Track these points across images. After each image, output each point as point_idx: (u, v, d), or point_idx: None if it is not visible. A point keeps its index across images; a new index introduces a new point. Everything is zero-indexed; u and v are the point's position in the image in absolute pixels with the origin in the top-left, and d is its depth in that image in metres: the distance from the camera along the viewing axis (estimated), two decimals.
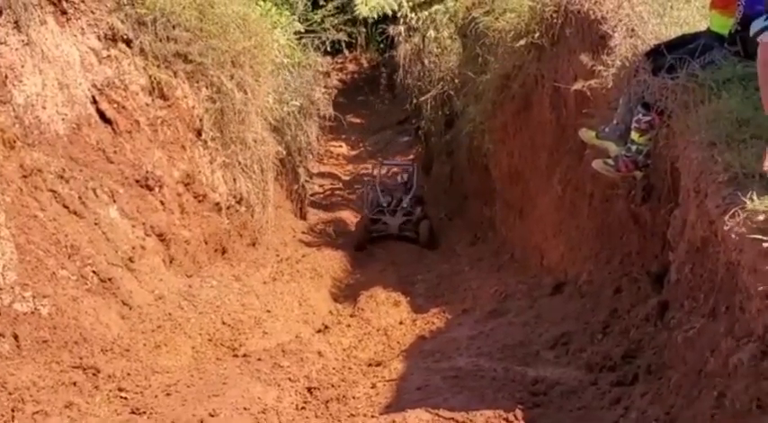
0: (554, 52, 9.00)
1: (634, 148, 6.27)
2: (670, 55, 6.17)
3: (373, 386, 7.04)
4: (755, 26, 5.00)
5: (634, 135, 6.25)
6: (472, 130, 12.63)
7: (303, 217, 16.44)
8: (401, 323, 9.65)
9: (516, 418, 5.37)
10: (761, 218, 4.14)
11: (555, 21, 9.22)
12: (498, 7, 11.28)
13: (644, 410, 4.91)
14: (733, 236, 4.20)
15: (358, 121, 18.24)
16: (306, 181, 17.18)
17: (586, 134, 7.13)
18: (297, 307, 10.26)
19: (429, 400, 6.02)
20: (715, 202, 4.63)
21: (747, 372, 3.58)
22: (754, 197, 4.18)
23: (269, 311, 9.50)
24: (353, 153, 17.96)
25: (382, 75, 19.73)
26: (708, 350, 4.33)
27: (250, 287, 10.04)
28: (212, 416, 5.91)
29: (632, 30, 7.55)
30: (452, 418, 5.53)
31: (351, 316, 10.29)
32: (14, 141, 8.70)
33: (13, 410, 6.03)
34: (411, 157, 18.34)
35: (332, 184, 17.76)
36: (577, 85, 7.94)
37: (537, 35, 9.56)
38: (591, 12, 8.43)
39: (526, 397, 5.79)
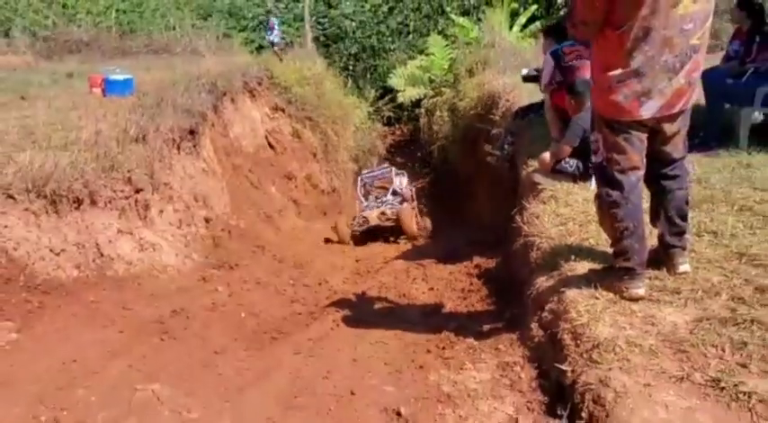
0: (487, 116, 9.37)
1: (506, 151, 6.69)
2: (522, 111, 6.83)
3: None
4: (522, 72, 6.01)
5: (506, 146, 6.71)
6: (449, 157, 12.97)
7: None
8: None
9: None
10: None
11: (487, 101, 9.78)
12: (465, 96, 11.61)
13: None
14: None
15: (401, 160, 18.57)
16: None
17: (487, 147, 7.70)
18: None
19: None
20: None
21: None
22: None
23: None
24: None
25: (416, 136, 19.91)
26: None
27: None
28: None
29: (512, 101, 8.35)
30: None
31: None
32: (229, 153, 9.70)
33: (223, 264, 6.63)
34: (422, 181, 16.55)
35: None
36: (495, 131, 8.26)
37: (479, 108, 10.08)
38: (503, 93, 9.14)
39: None
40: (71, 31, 17.13)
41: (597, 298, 3.11)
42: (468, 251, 6.48)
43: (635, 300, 3.06)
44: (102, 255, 5.32)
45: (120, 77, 9.62)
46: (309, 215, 11.00)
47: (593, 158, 3.14)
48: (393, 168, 12.36)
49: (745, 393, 2.38)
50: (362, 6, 20.93)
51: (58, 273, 4.78)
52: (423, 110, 16.66)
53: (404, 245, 9.59)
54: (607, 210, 3.10)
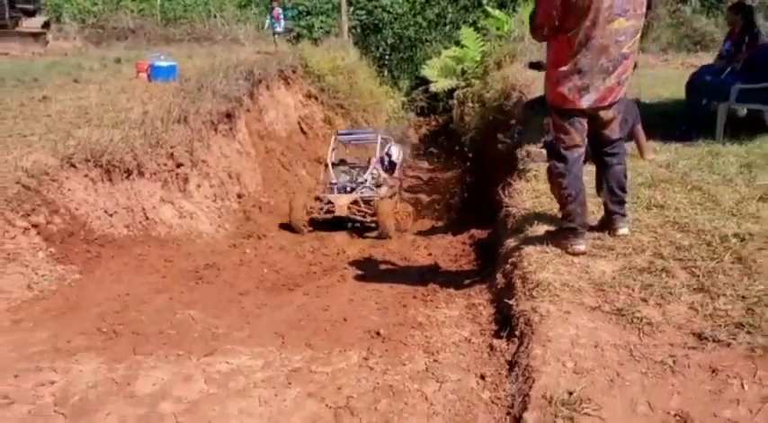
0: (508, 107, 10.16)
1: (515, 139, 7.64)
2: (531, 102, 7.70)
3: None
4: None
5: (516, 135, 7.78)
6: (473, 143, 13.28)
7: (400, 194, 16.39)
8: None
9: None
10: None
11: (509, 93, 10.55)
12: (491, 88, 12.33)
13: None
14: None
15: (435, 150, 19.13)
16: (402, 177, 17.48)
17: (500, 136, 8.62)
18: None
19: None
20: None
21: None
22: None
23: None
24: (431, 166, 18.59)
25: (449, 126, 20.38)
26: None
27: None
28: None
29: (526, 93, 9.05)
30: None
31: None
32: (263, 136, 10.53)
33: (252, 234, 7.61)
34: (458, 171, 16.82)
35: (417, 180, 18.13)
36: (513, 121, 9.04)
37: (502, 99, 10.74)
38: (520, 86, 9.87)
39: None
40: (119, 18, 18.44)
41: (547, 252, 3.94)
42: (470, 226, 7.22)
43: (577, 254, 3.88)
44: (147, 218, 6.35)
45: (164, 64, 10.67)
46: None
47: (545, 137, 3.96)
48: (380, 135, 10.34)
49: (639, 318, 3.19)
50: None
51: (111, 230, 5.82)
52: (455, 101, 17.48)
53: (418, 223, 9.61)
54: (555, 179, 3.93)
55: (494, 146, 11.24)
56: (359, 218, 8.46)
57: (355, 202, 8.56)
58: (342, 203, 8.44)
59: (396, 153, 10.14)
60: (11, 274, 4.53)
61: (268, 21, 16.24)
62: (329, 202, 8.59)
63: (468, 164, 16.30)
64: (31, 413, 2.98)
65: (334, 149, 9.95)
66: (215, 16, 19.40)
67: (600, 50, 3.61)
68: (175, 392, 3.08)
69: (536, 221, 4.42)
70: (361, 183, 9.11)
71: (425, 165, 19.88)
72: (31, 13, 14.90)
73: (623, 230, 4.03)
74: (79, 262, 5.05)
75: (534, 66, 7.57)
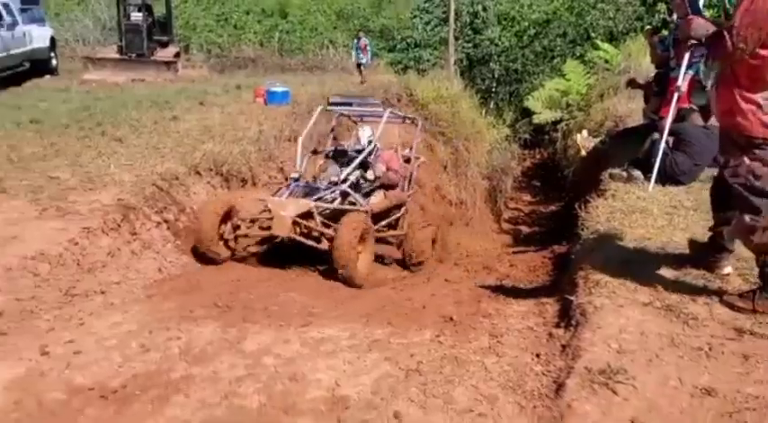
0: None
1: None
2: (620, 133, 8.09)
3: None
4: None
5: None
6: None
7: (499, 224, 16.67)
8: None
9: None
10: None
11: (608, 125, 10.74)
12: (592, 120, 12.47)
13: None
14: None
15: (538, 183, 19.28)
16: (502, 208, 17.44)
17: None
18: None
19: None
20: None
21: None
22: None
23: None
24: (533, 199, 18.62)
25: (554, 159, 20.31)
26: None
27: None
28: None
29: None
30: None
31: None
32: None
33: None
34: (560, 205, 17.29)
35: (518, 212, 17.98)
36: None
37: (600, 132, 10.88)
38: (614, 117, 10.05)
39: None
40: (241, 49, 20.17)
41: (610, 259, 4.38)
42: (552, 244, 7.71)
43: None
44: None
45: (279, 90, 11.70)
46: (435, 222, 12.18)
47: (735, 180, 3.41)
48: (389, 109, 7.72)
49: (686, 314, 3.59)
50: (508, 31, 22.42)
51: None
52: (559, 133, 17.68)
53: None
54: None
55: (590, 178, 11.63)
56: (309, 242, 5.46)
57: (308, 215, 5.45)
58: (283, 214, 5.29)
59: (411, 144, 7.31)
60: (146, 258, 5.47)
61: (354, 52, 16.75)
62: (267, 211, 5.48)
63: (568, 197, 16.24)
64: (162, 359, 3.76)
65: (333, 129, 7.58)
66: (327, 47, 20.82)
67: None
68: (276, 350, 3.78)
69: (607, 234, 4.84)
70: (334, 183, 6.04)
71: (528, 197, 19.84)
72: (164, 44, 16.58)
73: (728, 269, 3.90)
74: (199, 254, 5.93)
75: (632, 84, 7.73)
